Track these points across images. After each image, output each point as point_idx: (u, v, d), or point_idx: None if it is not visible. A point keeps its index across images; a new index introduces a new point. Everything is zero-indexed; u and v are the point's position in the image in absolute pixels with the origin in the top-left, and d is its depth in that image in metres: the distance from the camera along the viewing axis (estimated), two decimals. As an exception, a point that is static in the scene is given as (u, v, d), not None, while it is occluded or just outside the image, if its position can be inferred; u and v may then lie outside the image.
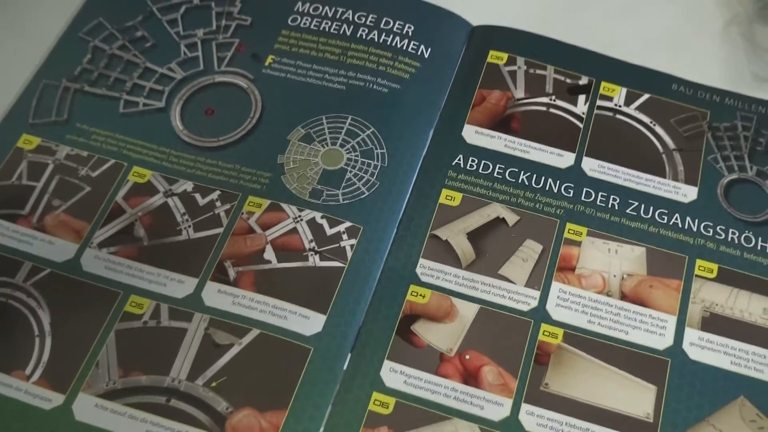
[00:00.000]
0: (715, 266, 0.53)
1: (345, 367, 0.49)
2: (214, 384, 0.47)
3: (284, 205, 0.53)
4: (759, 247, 0.53)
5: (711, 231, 0.54)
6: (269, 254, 0.51)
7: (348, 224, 0.52)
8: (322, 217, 0.52)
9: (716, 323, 0.51)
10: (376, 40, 0.60)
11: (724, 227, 0.54)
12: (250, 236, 0.52)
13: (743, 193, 0.56)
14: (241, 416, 0.46)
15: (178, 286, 0.50)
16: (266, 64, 0.59)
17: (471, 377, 0.49)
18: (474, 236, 0.53)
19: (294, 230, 0.52)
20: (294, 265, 0.51)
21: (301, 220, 0.52)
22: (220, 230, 0.52)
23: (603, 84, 0.60)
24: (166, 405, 0.46)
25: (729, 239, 0.54)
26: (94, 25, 0.61)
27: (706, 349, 0.50)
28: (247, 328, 0.49)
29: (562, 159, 0.56)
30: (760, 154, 0.57)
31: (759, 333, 0.51)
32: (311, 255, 0.51)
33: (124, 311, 0.49)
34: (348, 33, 0.60)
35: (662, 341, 0.50)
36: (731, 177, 0.56)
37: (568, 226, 0.54)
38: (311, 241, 0.51)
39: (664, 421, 0.48)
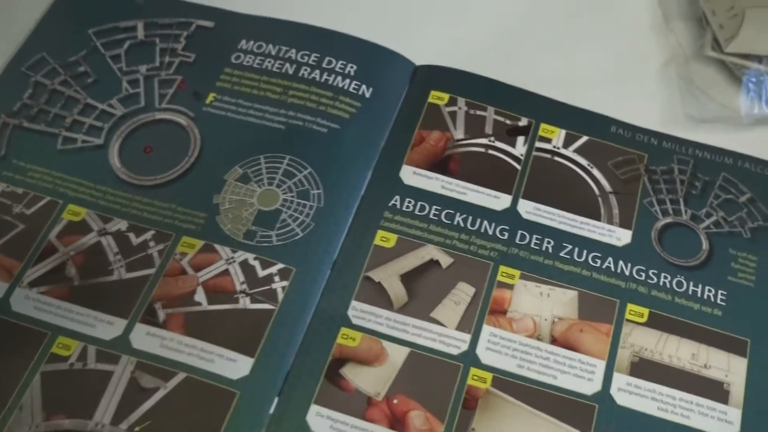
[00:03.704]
0: (645, 311, 0.53)
1: (271, 411, 0.48)
2: (137, 429, 0.47)
3: (218, 246, 0.53)
4: (690, 292, 0.54)
5: (643, 275, 0.54)
6: (200, 296, 0.51)
7: (280, 266, 0.52)
8: (254, 259, 0.52)
9: (645, 368, 0.51)
10: (317, 79, 0.60)
11: (656, 271, 0.55)
12: (182, 277, 0.52)
13: (677, 237, 0.56)
14: (163, 462, 0.46)
15: (107, 327, 0.50)
16: (207, 101, 0.59)
17: (398, 422, 0.49)
18: (407, 278, 0.53)
19: (226, 272, 0.52)
20: (224, 307, 0.51)
21: (234, 261, 0.52)
22: (152, 271, 0.52)
23: (542, 125, 0.60)
24: (89, 449, 0.46)
25: (661, 283, 0.54)
26: (37, 59, 0.61)
27: (634, 395, 0.50)
28: (173, 372, 0.49)
29: (499, 201, 0.57)
30: (695, 198, 0.58)
31: (687, 378, 0.51)
32: (242, 297, 0.51)
33: (51, 353, 0.49)
34: (290, 72, 0.61)
35: (590, 386, 0.50)
36: (666, 221, 0.57)
37: (502, 269, 0.54)
38: (243, 282, 0.52)
39: (588, 468, 0.48)
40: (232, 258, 0.52)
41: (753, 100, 0.61)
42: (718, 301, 0.54)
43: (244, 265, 0.52)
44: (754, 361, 0.52)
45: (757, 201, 0.58)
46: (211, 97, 0.59)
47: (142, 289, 0.51)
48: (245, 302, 0.51)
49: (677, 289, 0.54)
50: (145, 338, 0.50)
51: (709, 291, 0.54)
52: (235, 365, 0.49)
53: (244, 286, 0.51)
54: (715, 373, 0.51)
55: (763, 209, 0.58)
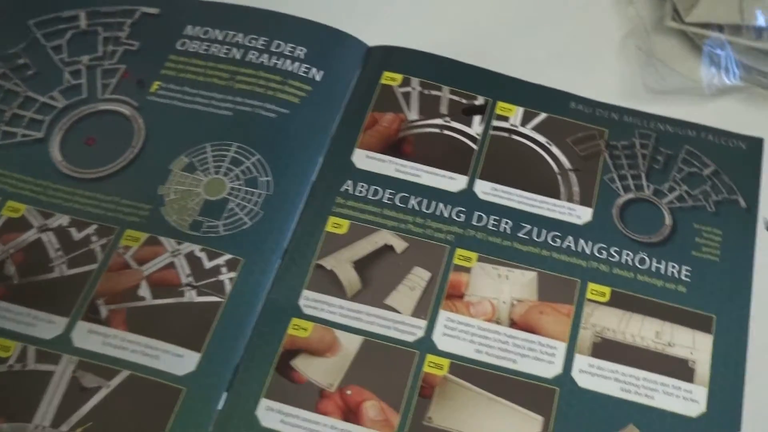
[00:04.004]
0: (607, 290, 0.51)
1: (220, 407, 0.46)
2: (79, 430, 0.45)
3: (162, 239, 0.51)
4: (653, 269, 0.52)
5: (605, 253, 0.53)
6: (144, 291, 0.49)
7: (228, 257, 0.50)
8: (201, 250, 0.51)
9: (607, 349, 0.50)
10: (266, 63, 0.58)
11: (618, 249, 0.53)
12: (126, 272, 0.50)
13: (639, 213, 0.55)
14: (105, 464, 0.44)
15: (48, 326, 0.48)
16: (152, 90, 0.57)
17: (352, 413, 0.47)
18: (361, 265, 0.52)
19: (171, 265, 0.50)
20: (169, 301, 0.49)
21: (180, 253, 0.50)
22: (94, 266, 0.50)
23: (499, 104, 0.59)
24: (28, 453, 0.44)
25: (623, 261, 0.52)
26: (-25, 53, 0.58)
27: (596, 376, 0.49)
28: (116, 370, 0.47)
29: (455, 182, 0.55)
30: (658, 173, 0.56)
31: (650, 357, 0.50)
32: (188, 290, 0.49)
33: (-11, 355, 0.47)
34: (237, 57, 0.59)
35: (551, 369, 0.49)
36: (627, 197, 0.55)
37: (458, 251, 0.52)
38: (188, 275, 0.50)
39: (549, 454, 0.46)
40: (178, 250, 0.51)
41: (714, 70, 0.59)
42: (683, 277, 0.52)
43: (190, 257, 0.50)
44: (720, 338, 0.50)
45: (721, 173, 0.56)
46: (155, 85, 0.57)
47: (84, 285, 0.50)
48: (191, 295, 0.49)
49: (640, 267, 0.52)
50: (87, 336, 0.48)
51: (673, 267, 0.52)
52: (181, 361, 0.47)
53: (190, 279, 0.50)
54: (679, 351, 0.50)
55: (728, 182, 0.56)
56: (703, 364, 0.50)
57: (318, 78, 0.58)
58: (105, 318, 0.49)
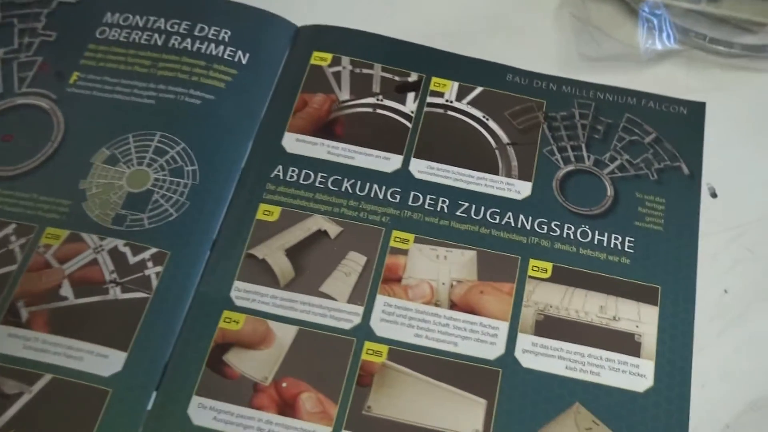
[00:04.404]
0: (549, 265, 0.50)
1: (149, 407, 0.44)
2: (-1, 440, 0.42)
3: (85, 235, 0.49)
4: (596, 242, 0.51)
5: (545, 228, 0.51)
6: (66, 290, 0.47)
7: (153, 250, 0.48)
8: (125, 245, 0.48)
9: (551, 326, 0.48)
10: (189, 48, 0.56)
11: (559, 223, 0.51)
12: (46, 271, 0.47)
13: (580, 185, 0.53)
14: (28, 473, 0.41)
15: (-36, 333, 0.45)
16: (71, 81, 0.55)
17: (288, 407, 0.45)
18: (293, 252, 0.50)
19: (94, 261, 0.48)
20: (93, 299, 0.47)
21: (102, 249, 0.48)
22: (13, 267, 0.48)
23: (434, 79, 0.57)
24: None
25: (564, 235, 0.51)
26: None
27: (540, 355, 0.47)
28: (38, 374, 0.45)
29: (389, 162, 0.53)
30: (598, 143, 0.54)
31: (595, 333, 0.48)
32: (112, 287, 0.47)
33: None
34: (159, 43, 0.56)
35: (493, 350, 0.47)
36: (568, 169, 0.53)
37: (395, 233, 0.50)
38: (112, 272, 0.47)
39: (493, 437, 0.44)
40: (101, 246, 0.48)
41: (651, 34, 0.57)
42: (626, 249, 0.51)
43: (114, 253, 0.48)
44: (666, 310, 0.49)
45: (663, 140, 0.55)
46: (74, 76, 0.55)
47: (3, 287, 0.48)
48: (116, 292, 0.47)
49: (582, 240, 0.51)
50: (6, 340, 0.46)
51: (616, 239, 0.51)
52: (106, 361, 0.45)
53: (114, 275, 0.47)
54: (625, 325, 0.48)
55: (670, 148, 0.54)
56: (649, 338, 0.48)
57: (244, 61, 0.56)
58: (26, 320, 0.46)
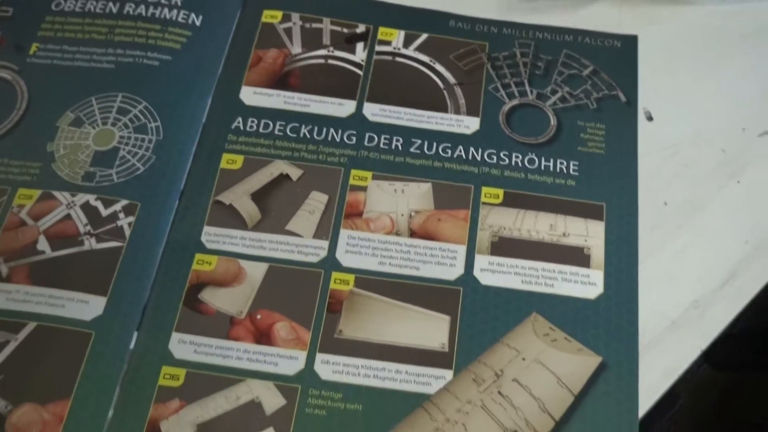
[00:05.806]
0: (500, 191, 0.53)
1: (132, 346, 0.47)
2: (-10, 385, 0.44)
3: (56, 193, 0.51)
4: (543, 167, 0.54)
5: (495, 158, 0.54)
6: (42, 245, 0.49)
7: (124, 202, 0.51)
8: (96, 199, 0.51)
9: (505, 246, 0.51)
10: (143, 14, 0.59)
11: (507, 153, 0.54)
12: (22, 229, 0.50)
13: (525, 118, 0.56)
14: (20, 413, 0.44)
15: (-53, 291, 0.47)
16: (30, 53, 0.57)
17: (264, 336, 0.48)
18: (259, 196, 0.52)
19: (68, 216, 0.50)
20: (70, 251, 0.49)
21: (75, 205, 0.50)
22: (-10, 228, 0.49)
23: (381, 29, 0.60)
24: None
25: (513, 163, 0.54)
26: None
27: (497, 273, 0.50)
28: (23, 323, 0.47)
29: (343, 108, 0.56)
30: (540, 78, 0.58)
31: (547, 249, 0.51)
32: (87, 239, 0.49)
33: None
34: (114, 11, 0.59)
35: (453, 271, 0.50)
36: (512, 103, 0.57)
37: (353, 172, 0.53)
38: (86, 224, 0.50)
39: (459, 348, 0.48)
40: (73, 202, 0.51)
41: (582, -27, 0.61)
42: (571, 172, 0.54)
43: (86, 207, 0.51)
44: (611, 224, 0.52)
45: (600, 72, 0.58)
46: (34, 47, 0.57)
47: (-19, 248, 0.49)
48: (91, 243, 0.49)
49: (530, 167, 0.54)
50: (-11, 295, 0.47)
51: (562, 164, 0.54)
52: (87, 306, 0.47)
53: (88, 228, 0.50)
54: (574, 240, 0.51)
55: (606, 79, 0.58)
56: (597, 250, 0.52)
57: (198, 23, 0.59)
58: (6, 275, 0.48)
